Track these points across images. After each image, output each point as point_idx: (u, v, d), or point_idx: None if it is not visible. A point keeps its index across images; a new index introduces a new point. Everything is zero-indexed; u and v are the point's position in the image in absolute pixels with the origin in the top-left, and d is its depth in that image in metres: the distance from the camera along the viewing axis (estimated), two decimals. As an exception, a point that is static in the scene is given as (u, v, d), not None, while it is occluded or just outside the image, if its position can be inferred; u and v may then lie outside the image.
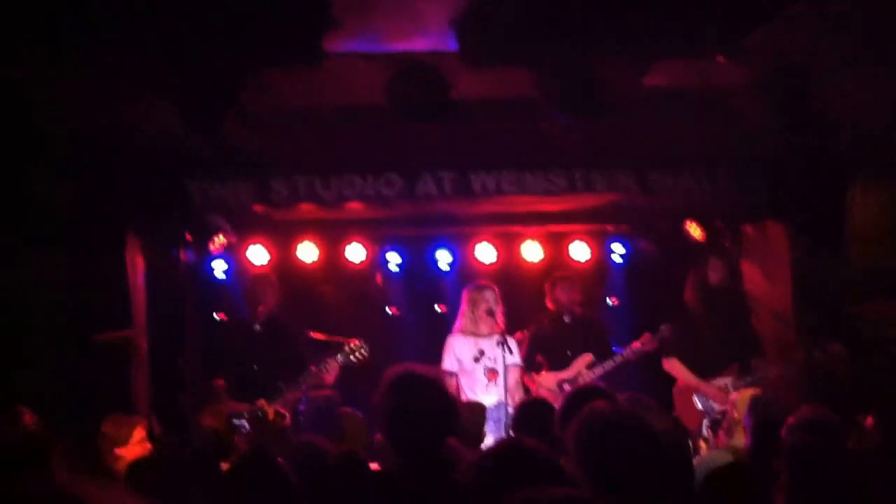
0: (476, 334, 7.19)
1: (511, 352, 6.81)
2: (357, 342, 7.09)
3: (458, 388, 7.04)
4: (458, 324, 7.35)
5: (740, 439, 5.81)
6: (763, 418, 4.86)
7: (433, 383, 3.67)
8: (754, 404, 5.05)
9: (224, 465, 4.51)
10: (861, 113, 6.57)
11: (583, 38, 5.72)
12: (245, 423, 6.84)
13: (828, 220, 7.33)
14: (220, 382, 7.04)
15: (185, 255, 7.82)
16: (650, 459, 3.03)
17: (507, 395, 6.75)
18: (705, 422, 6.88)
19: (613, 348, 7.67)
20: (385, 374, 3.74)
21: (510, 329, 7.24)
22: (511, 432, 6.37)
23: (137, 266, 7.37)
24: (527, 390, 7.40)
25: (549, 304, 7.83)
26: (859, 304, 7.10)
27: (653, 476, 3.03)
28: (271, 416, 6.79)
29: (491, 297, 7.17)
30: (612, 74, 6.01)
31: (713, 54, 5.92)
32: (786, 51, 5.94)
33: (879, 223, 7.11)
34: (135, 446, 5.48)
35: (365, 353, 7.05)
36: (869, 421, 5.10)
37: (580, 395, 4.24)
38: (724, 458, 4.71)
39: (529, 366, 7.54)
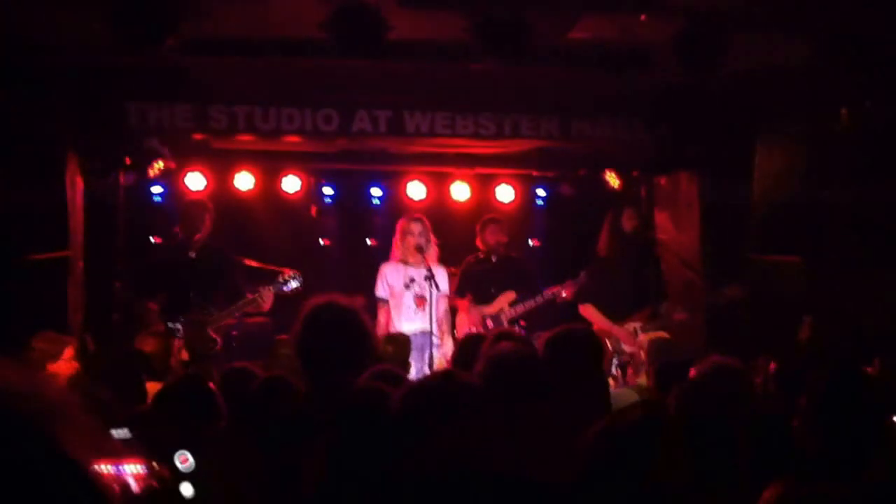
0: (407, 263, 7.43)
1: (437, 286, 7.08)
2: (291, 272, 7.20)
3: (387, 315, 7.34)
4: (391, 252, 7.59)
5: (645, 378, 6.20)
6: (661, 358, 5.19)
7: (349, 315, 3.69)
8: (655, 346, 5.41)
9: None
10: (768, 68, 6.90)
11: None
12: (180, 326, 7.02)
13: (735, 171, 7.72)
14: (154, 306, 7.16)
15: (123, 178, 7.90)
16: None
17: (435, 324, 7.05)
18: (614, 361, 7.27)
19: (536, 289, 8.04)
20: (304, 304, 3.77)
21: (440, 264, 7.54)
22: (444, 363, 6.74)
23: (78, 187, 7.45)
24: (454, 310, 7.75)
25: (479, 244, 8.17)
26: (758, 252, 7.52)
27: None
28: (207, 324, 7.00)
29: (417, 229, 7.36)
30: (539, 24, 6.24)
31: (636, 10, 6.16)
32: (700, 8, 6.22)
33: (780, 173, 7.53)
34: (65, 363, 5.64)
35: (298, 284, 7.16)
36: (772, 366, 5.44)
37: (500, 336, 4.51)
38: (630, 395, 5.06)
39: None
